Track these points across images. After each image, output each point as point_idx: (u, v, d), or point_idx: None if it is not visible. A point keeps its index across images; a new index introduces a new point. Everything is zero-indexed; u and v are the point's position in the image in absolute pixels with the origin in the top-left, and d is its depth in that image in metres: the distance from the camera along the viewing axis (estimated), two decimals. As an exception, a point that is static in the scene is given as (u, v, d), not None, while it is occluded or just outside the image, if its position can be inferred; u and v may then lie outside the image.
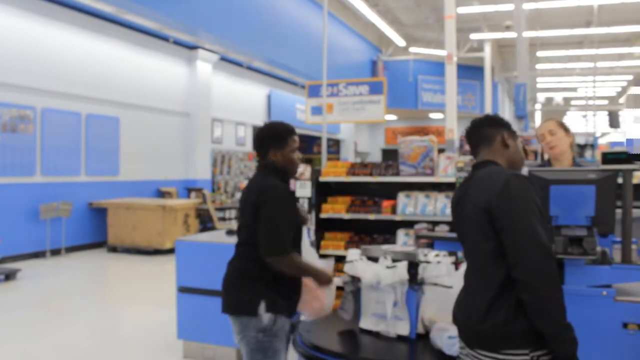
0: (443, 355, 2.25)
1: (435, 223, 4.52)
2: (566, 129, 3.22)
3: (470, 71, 18.97)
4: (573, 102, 27.93)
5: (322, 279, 2.47)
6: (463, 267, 2.82)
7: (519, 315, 1.71)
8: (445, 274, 2.53)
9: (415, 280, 2.50)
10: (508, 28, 15.44)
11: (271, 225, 2.28)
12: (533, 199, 1.76)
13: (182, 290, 4.09)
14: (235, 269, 2.43)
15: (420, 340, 2.45)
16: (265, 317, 2.28)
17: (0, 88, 8.18)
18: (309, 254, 2.64)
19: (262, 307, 2.28)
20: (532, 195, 1.77)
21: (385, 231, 4.79)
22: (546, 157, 3.42)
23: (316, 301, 2.48)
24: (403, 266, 2.49)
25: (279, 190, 2.35)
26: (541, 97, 27.67)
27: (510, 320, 1.72)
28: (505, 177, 1.79)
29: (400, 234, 4.62)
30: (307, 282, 2.47)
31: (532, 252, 1.68)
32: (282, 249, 2.28)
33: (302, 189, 5.17)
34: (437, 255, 2.62)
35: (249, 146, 15.03)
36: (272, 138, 2.43)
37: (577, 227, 2.06)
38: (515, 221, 1.72)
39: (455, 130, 9.85)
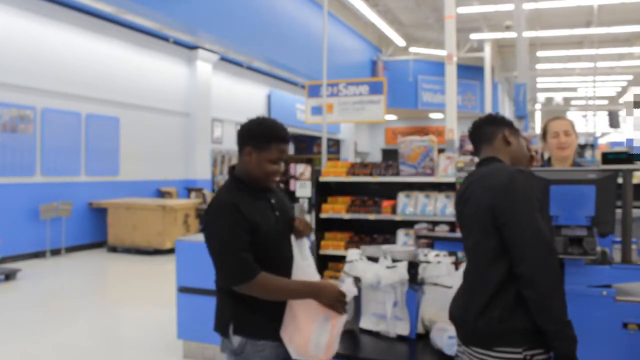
0: (443, 355, 2.25)
1: (435, 223, 4.52)
2: (575, 130, 3.18)
3: (470, 71, 18.97)
4: (573, 102, 27.94)
5: (324, 296, 1.92)
6: (463, 267, 2.82)
7: (515, 313, 1.72)
8: (446, 274, 2.53)
9: (415, 280, 2.50)
10: (508, 28, 15.44)
11: (218, 255, 1.96)
12: (536, 196, 1.77)
13: (182, 290, 4.09)
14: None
15: (421, 340, 2.45)
16: (235, 339, 1.97)
17: (0, 88, 8.18)
18: (304, 272, 2.06)
19: (231, 328, 1.98)
20: (535, 191, 1.77)
21: (385, 231, 4.80)
22: (546, 156, 3.38)
23: (298, 334, 1.93)
24: (403, 266, 2.49)
25: (219, 208, 1.96)
26: (541, 97, 27.68)
27: (506, 318, 1.72)
28: (508, 173, 1.79)
29: (400, 234, 4.62)
30: (293, 305, 1.97)
31: (536, 248, 1.68)
32: (241, 275, 1.90)
33: (302, 189, 5.17)
34: (437, 255, 2.62)
35: (249, 146, 15.02)
36: (253, 134, 2.01)
37: (577, 227, 2.06)
38: (518, 217, 1.72)
39: (455, 130, 9.85)
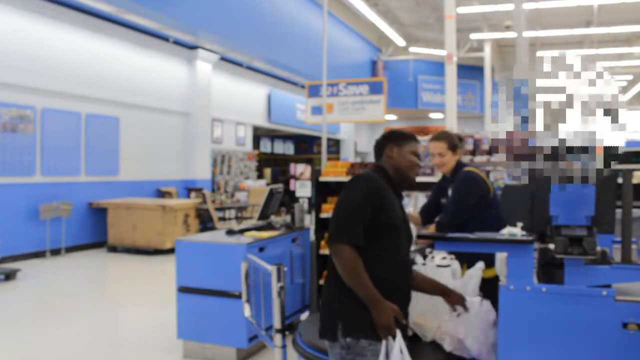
0: (432, 356, 2.26)
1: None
2: (454, 147, 3.29)
3: (470, 71, 18.97)
4: (573, 102, 27.87)
5: (380, 316, 2.00)
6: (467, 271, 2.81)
7: None
8: (431, 275, 2.52)
9: None
10: (508, 28, 15.43)
11: (338, 212, 2.11)
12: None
13: (182, 290, 4.09)
14: None
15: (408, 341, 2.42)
16: (345, 341, 2.07)
17: (0, 88, 8.18)
18: None
19: (339, 330, 2.07)
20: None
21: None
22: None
23: None
24: None
25: (361, 179, 2.16)
26: (541, 97, 27.62)
27: None
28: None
29: (400, 234, 4.62)
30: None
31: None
32: (342, 233, 2.04)
33: (302, 189, 5.17)
34: (444, 258, 2.62)
35: (249, 146, 15.03)
36: (391, 136, 2.34)
37: (577, 227, 2.05)
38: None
39: (455, 130, 9.84)
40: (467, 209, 3.10)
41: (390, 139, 2.32)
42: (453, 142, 3.29)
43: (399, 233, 2.16)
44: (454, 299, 2.33)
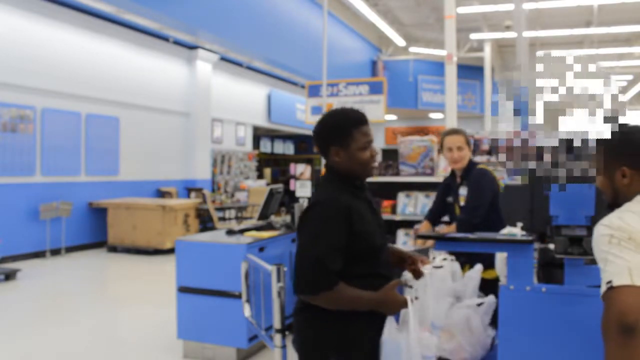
0: None
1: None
2: (468, 142, 3.34)
3: (470, 71, 18.97)
4: (573, 102, 27.86)
5: (389, 308, 1.86)
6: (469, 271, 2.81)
7: None
8: (411, 278, 2.48)
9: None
10: (508, 28, 15.43)
11: (305, 254, 1.82)
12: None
13: (182, 290, 4.09)
14: None
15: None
16: None
17: (0, 88, 8.18)
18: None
19: None
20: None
21: (385, 231, 4.79)
22: (442, 165, 3.60)
23: None
24: None
25: (325, 207, 1.84)
26: (541, 97, 27.61)
27: None
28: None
29: (400, 233, 4.62)
30: None
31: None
32: (317, 283, 1.78)
33: (302, 189, 5.17)
34: (444, 259, 2.61)
35: (249, 146, 15.03)
36: (332, 133, 1.93)
37: (577, 227, 2.06)
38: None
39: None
40: (485, 206, 3.11)
41: (331, 141, 1.93)
42: (468, 137, 3.32)
43: (375, 250, 1.95)
44: (413, 262, 2.12)
